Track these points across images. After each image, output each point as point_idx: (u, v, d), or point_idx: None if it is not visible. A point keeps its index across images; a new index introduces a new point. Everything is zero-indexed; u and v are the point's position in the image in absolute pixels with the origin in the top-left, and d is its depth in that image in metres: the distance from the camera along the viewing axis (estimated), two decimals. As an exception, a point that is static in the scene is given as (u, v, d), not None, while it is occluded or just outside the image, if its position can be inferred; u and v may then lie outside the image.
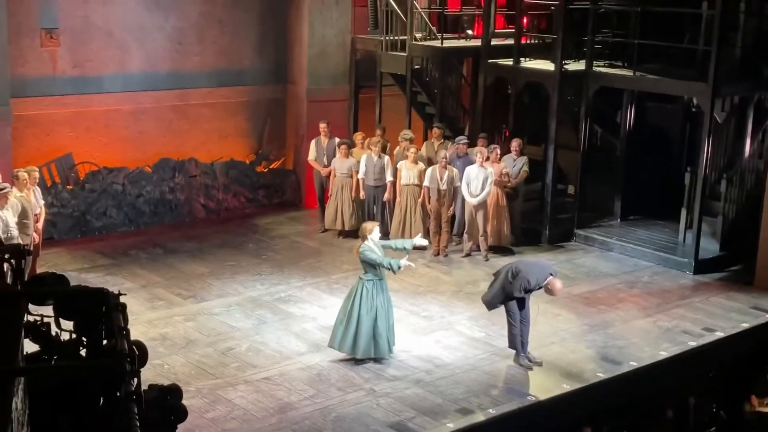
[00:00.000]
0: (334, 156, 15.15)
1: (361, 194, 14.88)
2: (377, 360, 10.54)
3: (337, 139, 15.40)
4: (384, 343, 10.52)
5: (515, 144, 14.82)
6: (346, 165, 14.98)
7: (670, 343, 11.55)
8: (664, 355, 11.22)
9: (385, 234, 14.84)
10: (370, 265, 10.39)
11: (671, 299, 13.03)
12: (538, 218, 15.56)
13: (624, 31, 15.62)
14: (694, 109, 15.53)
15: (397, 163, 14.79)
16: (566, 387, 10.27)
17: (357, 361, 10.50)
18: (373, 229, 10.57)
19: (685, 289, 13.53)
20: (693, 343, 11.59)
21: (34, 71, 14.84)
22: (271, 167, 17.51)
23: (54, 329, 4.91)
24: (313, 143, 15.57)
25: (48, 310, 4.93)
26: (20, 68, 14.57)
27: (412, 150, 14.69)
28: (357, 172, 14.86)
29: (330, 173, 15.22)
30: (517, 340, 10.66)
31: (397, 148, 15.30)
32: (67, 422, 4.32)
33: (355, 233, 15.02)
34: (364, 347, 10.45)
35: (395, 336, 10.77)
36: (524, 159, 14.76)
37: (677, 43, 14.89)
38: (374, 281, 10.43)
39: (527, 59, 15.73)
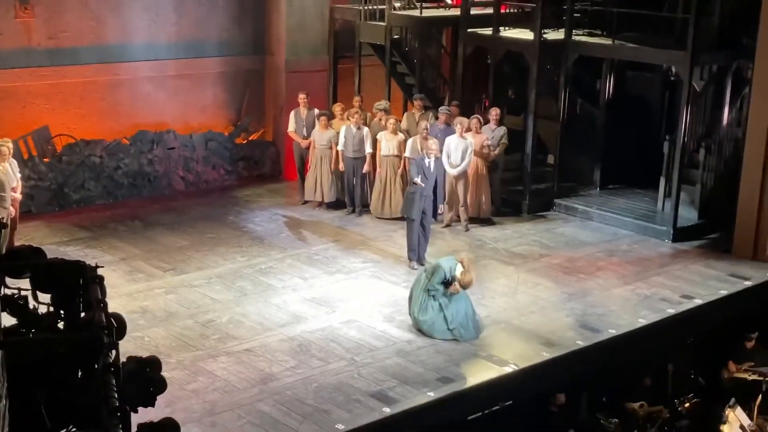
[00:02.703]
0: (314, 127, 15.08)
1: (341, 166, 14.84)
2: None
3: (316, 111, 15.32)
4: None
5: (494, 113, 14.79)
6: (326, 136, 14.92)
7: (649, 310, 11.63)
8: (642, 322, 11.30)
9: (364, 205, 14.89)
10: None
11: (650, 267, 13.11)
12: (518, 188, 15.58)
13: (603, 0, 15.58)
14: (672, 78, 15.54)
15: (376, 134, 14.74)
16: (546, 355, 10.33)
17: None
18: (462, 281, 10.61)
19: (663, 257, 13.61)
20: (671, 311, 11.68)
21: (9, 43, 14.66)
22: (250, 139, 17.42)
23: (31, 302, 4.88)
24: (292, 115, 15.49)
25: (25, 284, 4.90)
26: (-6, 40, 14.40)
27: (392, 121, 14.64)
28: (336, 144, 14.81)
29: (309, 145, 15.16)
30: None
31: (374, 119, 15.25)
32: (44, 395, 4.30)
33: (334, 204, 15.07)
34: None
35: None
36: (503, 129, 14.74)
37: (656, 11, 14.87)
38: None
39: (506, 29, 15.68)
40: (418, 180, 12.52)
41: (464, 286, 10.54)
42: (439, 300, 10.56)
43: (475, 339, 10.58)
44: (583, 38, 15.25)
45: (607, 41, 14.90)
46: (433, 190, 12.97)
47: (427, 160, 12.73)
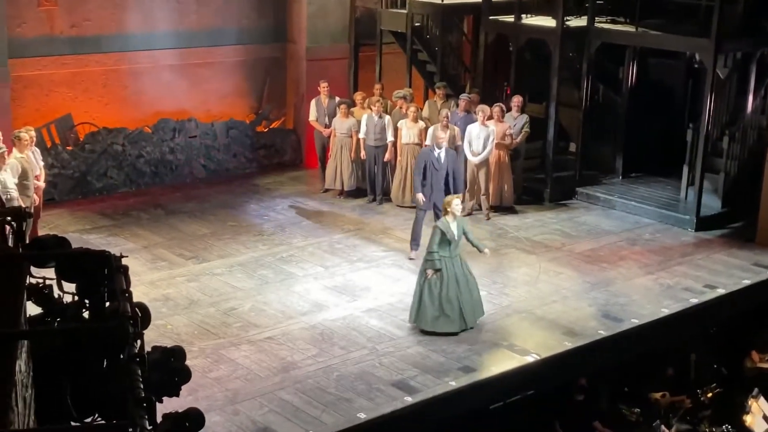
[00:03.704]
0: (335, 116, 15.08)
1: (362, 154, 14.83)
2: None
3: (337, 99, 15.31)
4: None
5: (516, 101, 14.73)
6: (346, 125, 14.90)
7: (672, 300, 11.57)
8: (665, 312, 11.25)
9: (385, 194, 14.87)
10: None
11: (673, 256, 13.03)
12: (539, 176, 15.52)
13: (626, -13, 15.47)
14: (696, 65, 15.42)
15: (397, 122, 14.70)
16: (568, 345, 10.30)
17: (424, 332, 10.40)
18: (451, 202, 10.43)
19: (686, 246, 13.52)
20: (694, 300, 11.62)
21: (32, 31, 14.72)
22: (271, 127, 17.44)
23: (56, 292, 4.90)
24: (313, 103, 15.49)
25: (50, 273, 4.92)
26: (18, 28, 14.44)
27: (413, 109, 14.60)
28: (357, 132, 14.80)
29: (331, 133, 15.15)
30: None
31: (395, 107, 15.21)
32: (70, 384, 4.33)
33: (355, 193, 15.07)
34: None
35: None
36: (525, 117, 14.68)
37: (680, -2, 14.75)
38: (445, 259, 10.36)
39: (528, 16, 15.59)
40: (420, 196, 12.23)
41: (449, 209, 10.38)
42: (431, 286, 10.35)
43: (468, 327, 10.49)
44: (606, 25, 15.14)
45: (630, 28, 14.79)
46: (445, 181, 12.26)
47: (437, 151, 12.36)
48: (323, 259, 12.56)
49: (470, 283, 10.55)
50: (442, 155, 12.29)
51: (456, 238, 10.32)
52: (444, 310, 10.28)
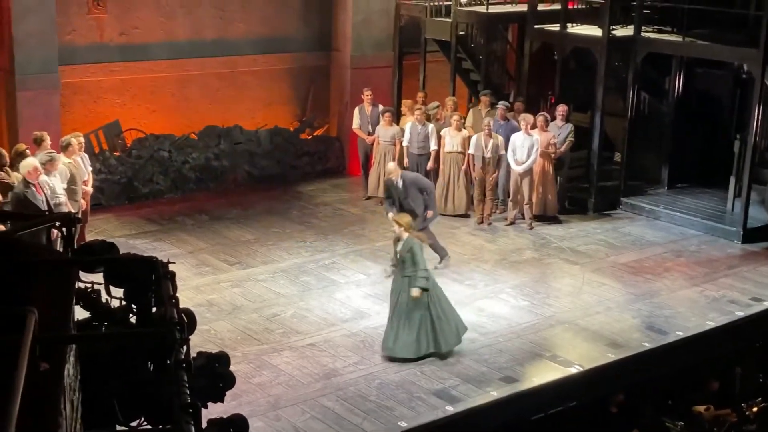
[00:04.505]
0: (378, 123, 15.13)
1: (405, 161, 14.85)
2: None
3: (381, 107, 15.37)
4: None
5: (561, 110, 14.68)
6: (390, 133, 14.94)
7: (717, 312, 11.43)
8: (711, 325, 11.12)
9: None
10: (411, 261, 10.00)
11: (719, 268, 12.87)
12: (584, 186, 15.42)
13: (673, -4, 15.34)
14: (744, 76, 15.22)
15: (440, 131, 14.71)
16: (612, 356, 10.22)
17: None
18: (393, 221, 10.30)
19: (732, 258, 13.35)
20: (740, 313, 11.47)
21: (82, 39, 14.97)
22: (315, 134, 17.53)
23: (103, 296, 4.97)
24: (357, 111, 15.55)
25: (98, 278, 4.99)
26: (68, 36, 14.70)
27: (456, 117, 14.60)
28: (401, 140, 14.83)
29: (374, 141, 15.20)
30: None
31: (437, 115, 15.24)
32: (116, 389, 4.39)
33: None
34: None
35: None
36: (570, 126, 14.61)
37: (728, 8, 14.59)
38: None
39: (574, 24, 15.52)
40: (391, 215, 11.44)
41: (400, 224, 10.14)
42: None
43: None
44: (653, 35, 15.03)
45: (677, 38, 14.66)
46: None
47: (394, 179, 12.17)
48: (365, 267, 12.59)
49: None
50: (399, 183, 12.15)
51: (399, 257, 10.12)
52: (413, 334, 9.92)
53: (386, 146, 14.98)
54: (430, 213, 12.24)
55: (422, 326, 9.89)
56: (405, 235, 10.09)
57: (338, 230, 14.07)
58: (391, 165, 12.68)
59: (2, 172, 11.47)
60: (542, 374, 9.79)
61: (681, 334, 10.83)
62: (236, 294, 11.60)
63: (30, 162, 10.89)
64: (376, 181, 15.15)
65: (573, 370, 9.88)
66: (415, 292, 9.85)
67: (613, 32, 14.80)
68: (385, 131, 14.98)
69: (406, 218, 10.37)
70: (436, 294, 10.10)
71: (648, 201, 15.34)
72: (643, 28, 14.96)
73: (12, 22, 13.59)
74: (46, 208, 10.34)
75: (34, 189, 10.70)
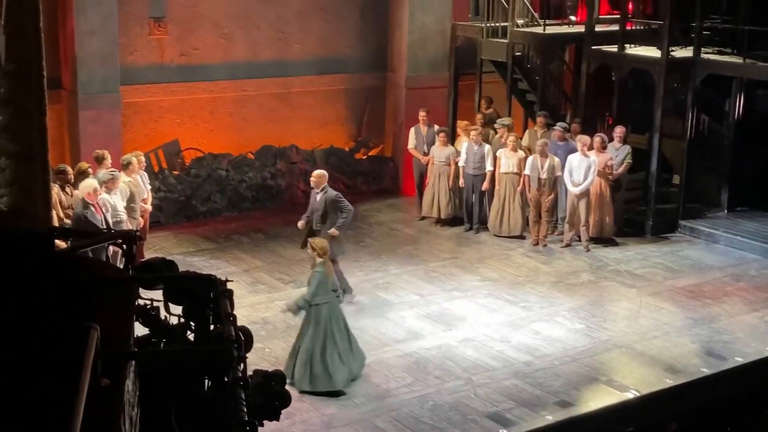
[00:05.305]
0: (433, 144, 15.14)
1: (460, 182, 14.83)
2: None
3: (436, 127, 15.38)
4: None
5: (619, 131, 14.55)
6: (445, 153, 14.94)
7: (778, 339, 11.19)
8: (771, 351, 10.88)
9: (482, 223, 14.81)
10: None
11: (780, 294, 12.62)
12: (641, 209, 15.24)
13: (733, 17, 15.13)
14: (807, 98, 14.95)
15: (496, 151, 14.67)
16: (669, 382, 10.06)
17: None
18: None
19: (794, 283, 13.08)
20: (802, 340, 11.20)
21: (143, 59, 15.24)
22: (369, 154, 17.60)
23: (162, 313, 5.03)
24: (412, 131, 15.59)
25: (158, 295, 5.06)
26: (129, 56, 14.98)
27: (512, 138, 14.55)
28: (456, 160, 14.82)
29: (429, 161, 15.21)
30: None
31: (495, 135, 15.20)
32: (175, 405, 4.43)
33: (451, 221, 15.06)
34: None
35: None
36: (627, 148, 14.46)
37: (790, 28, 14.34)
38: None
39: (632, 46, 15.38)
40: (311, 240, 10.50)
41: (314, 248, 9.93)
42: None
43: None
44: (713, 56, 14.83)
45: (738, 59, 14.45)
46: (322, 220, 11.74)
47: (314, 192, 11.97)
48: (419, 287, 12.57)
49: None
50: (318, 195, 11.93)
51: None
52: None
53: (441, 166, 14.98)
54: (335, 231, 11.67)
55: (313, 358, 9.61)
56: (318, 260, 9.87)
57: (392, 250, 14.08)
58: (318, 172, 12.22)
59: (64, 192, 11.71)
60: (598, 399, 9.67)
61: (740, 360, 10.63)
62: (290, 313, 11.62)
63: (89, 183, 11.09)
64: (431, 202, 15.15)
65: (630, 395, 9.73)
66: (284, 307, 10.01)
67: (672, 53, 14.64)
68: (440, 152, 14.99)
69: (322, 243, 10.12)
70: (332, 329, 9.73)
71: (707, 224, 15.09)
72: (702, 49, 14.78)
73: (75, 42, 13.92)
74: (104, 228, 10.51)
75: (93, 209, 10.89)
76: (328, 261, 10.04)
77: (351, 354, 9.87)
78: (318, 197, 11.92)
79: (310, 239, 10.53)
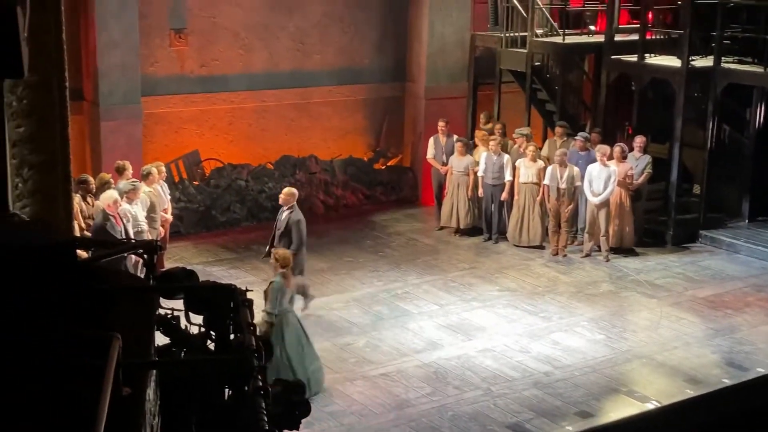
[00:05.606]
0: (452, 154, 15.14)
1: (479, 192, 14.82)
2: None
3: (455, 137, 15.39)
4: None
5: (639, 141, 14.51)
6: (463, 163, 14.94)
7: (801, 350, 11.10)
8: (794, 362, 10.79)
9: (501, 233, 14.79)
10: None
11: (802, 304, 12.52)
12: (662, 219, 15.17)
13: (754, 26, 15.07)
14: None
15: (515, 161, 14.65)
16: (690, 393, 10.00)
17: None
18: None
19: (817, 294, 12.97)
20: (825, 351, 11.11)
21: (164, 70, 15.34)
22: (388, 164, 17.63)
23: (183, 322, 5.05)
24: (431, 141, 15.61)
25: (178, 304, 5.09)
26: (150, 67, 15.08)
27: (531, 148, 14.53)
28: (474, 170, 14.81)
29: (447, 171, 15.21)
30: None
31: (514, 146, 15.19)
32: (196, 414, 4.45)
33: (470, 231, 15.05)
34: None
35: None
36: (647, 158, 14.42)
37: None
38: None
39: (652, 55, 15.34)
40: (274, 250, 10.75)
41: (276, 259, 9.95)
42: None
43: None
44: (733, 66, 14.78)
45: (759, 69, 14.38)
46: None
47: (283, 208, 11.93)
48: (438, 297, 12.57)
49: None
50: (284, 213, 11.85)
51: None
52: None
53: (459, 176, 14.98)
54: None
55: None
56: (279, 270, 9.89)
57: (411, 260, 14.08)
58: (288, 190, 12.14)
59: (86, 202, 11.79)
60: (619, 410, 9.63)
61: (762, 371, 10.55)
62: (309, 322, 11.61)
63: (110, 195, 11.17)
64: (449, 212, 15.15)
65: (650, 405, 9.68)
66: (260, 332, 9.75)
67: (693, 63, 14.59)
68: (458, 162, 14.99)
69: (285, 254, 10.14)
70: (290, 340, 9.70)
71: (728, 234, 15.01)
72: (723, 59, 14.72)
73: (97, 54, 14.04)
74: (124, 238, 10.57)
75: (113, 221, 10.97)
76: (288, 272, 10.05)
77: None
78: (283, 215, 11.88)
79: (273, 250, 10.64)
